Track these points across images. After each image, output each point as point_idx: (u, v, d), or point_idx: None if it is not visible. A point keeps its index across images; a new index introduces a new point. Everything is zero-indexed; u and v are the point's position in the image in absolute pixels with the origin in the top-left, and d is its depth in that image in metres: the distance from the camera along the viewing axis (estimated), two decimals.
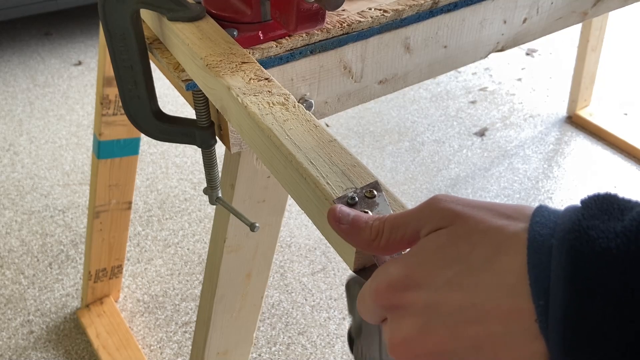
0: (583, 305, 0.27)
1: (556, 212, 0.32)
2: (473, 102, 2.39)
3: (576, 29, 2.15)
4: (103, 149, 1.20)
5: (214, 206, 0.76)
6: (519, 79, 2.52)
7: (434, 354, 0.32)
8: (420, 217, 0.35)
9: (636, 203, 0.30)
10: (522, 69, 2.58)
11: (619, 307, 0.27)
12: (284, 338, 1.51)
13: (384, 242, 0.36)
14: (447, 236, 0.33)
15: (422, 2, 0.69)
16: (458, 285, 0.32)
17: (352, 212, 0.39)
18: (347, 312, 1.58)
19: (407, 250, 0.36)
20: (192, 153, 2.07)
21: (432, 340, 0.32)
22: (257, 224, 0.67)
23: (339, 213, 0.38)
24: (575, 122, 2.22)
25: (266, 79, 0.53)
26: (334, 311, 1.58)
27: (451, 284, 0.32)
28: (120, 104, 0.98)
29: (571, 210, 0.30)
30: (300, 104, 0.51)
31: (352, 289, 0.40)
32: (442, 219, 0.34)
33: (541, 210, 0.32)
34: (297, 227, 1.82)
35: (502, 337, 0.30)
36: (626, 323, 0.27)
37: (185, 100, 0.80)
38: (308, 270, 1.69)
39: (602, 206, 0.30)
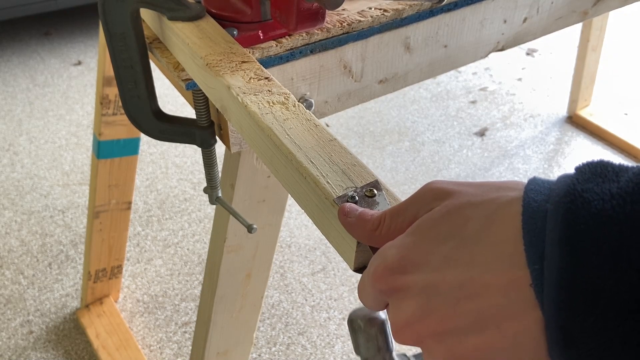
0: (578, 267, 0.27)
1: (550, 180, 0.32)
2: (473, 102, 2.38)
3: (576, 29, 2.14)
4: (103, 149, 1.20)
5: (214, 206, 0.76)
6: (519, 79, 2.52)
7: (438, 334, 0.32)
8: (417, 201, 0.36)
9: (632, 167, 0.29)
10: (522, 69, 2.58)
11: (614, 268, 0.26)
12: (284, 338, 1.51)
13: (385, 230, 0.36)
14: (439, 213, 0.33)
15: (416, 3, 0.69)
16: (454, 261, 0.31)
17: (360, 208, 0.40)
18: (348, 339, 1.58)
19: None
20: (192, 153, 2.07)
21: (434, 319, 0.32)
22: (254, 226, 0.67)
23: (347, 208, 0.40)
24: (575, 122, 2.22)
25: (266, 78, 0.53)
26: (334, 311, 1.58)
27: (447, 260, 0.32)
28: (120, 103, 0.98)
29: (565, 176, 0.30)
30: (300, 104, 0.51)
31: (354, 323, 0.40)
32: (435, 199, 0.34)
33: (535, 180, 0.32)
34: (297, 227, 1.82)
35: (503, 308, 0.30)
36: (622, 283, 0.26)
37: (185, 100, 0.79)
38: (308, 270, 1.69)
39: (597, 170, 0.29)
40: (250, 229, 0.67)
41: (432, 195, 0.35)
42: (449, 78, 2.53)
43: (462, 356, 0.31)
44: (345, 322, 1.55)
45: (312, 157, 0.45)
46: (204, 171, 0.89)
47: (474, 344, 0.31)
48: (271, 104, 0.50)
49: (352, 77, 0.70)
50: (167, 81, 0.99)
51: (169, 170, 2.01)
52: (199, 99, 0.63)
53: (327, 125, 2.22)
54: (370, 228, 0.37)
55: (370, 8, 0.67)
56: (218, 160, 0.71)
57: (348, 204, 0.40)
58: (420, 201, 0.35)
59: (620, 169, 0.29)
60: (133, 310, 1.56)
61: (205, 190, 0.73)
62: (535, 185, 0.31)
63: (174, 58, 0.63)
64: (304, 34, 0.63)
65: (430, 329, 0.32)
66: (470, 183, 0.35)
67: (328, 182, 0.43)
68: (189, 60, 0.58)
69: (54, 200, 1.86)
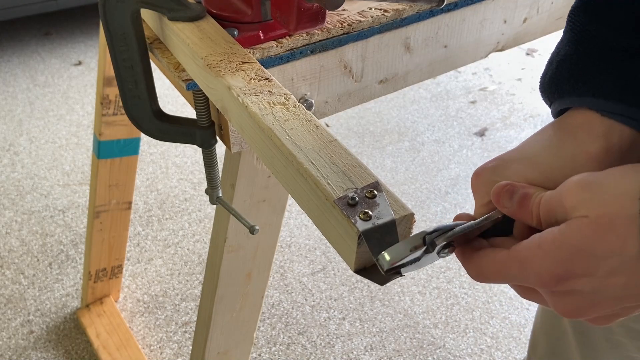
0: None
1: None
2: (473, 102, 2.39)
3: None
4: (103, 149, 1.20)
5: (214, 206, 0.76)
6: (519, 79, 2.52)
7: (603, 316, 0.39)
8: (565, 203, 0.37)
9: None
10: (522, 69, 2.58)
11: None
12: (284, 338, 1.51)
13: (537, 223, 0.40)
14: (590, 228, 0.35)
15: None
16: (619, 273, 0.35)
17: (521, 189, 0.41)
18: (348, 339, 1.58)
19: (551, 233, 0.37)
20: (192, 153, 2.07)
21: (599, 309, 0.37)
22: (256, 227, 0.67)
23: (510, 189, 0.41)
24: None
25: (267, 78, 0.53)
26: (334, 311, 1.58)
27: (612, 272, 0.35)
28: (121, 103, 0.98)
29: None
30: (300, 104, 0.51)
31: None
32: (582, 204, 0.36)
33: None
34: (297, 227, 1.82)
35: None
36: None
37: (185, 100, 0.80)
38: (308, 270, 1.69)
39: None
40: (252, 230, 0.67)
41: (573, 198, 0.37)
42: (449, 78, 2.53)
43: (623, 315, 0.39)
44: (345, 322, 1.55)
45: (313, 158, 0.45)
46: (204, 171, 0.89)
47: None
48: (272, 104, 0.50)
49: (352, 78, 0.70)
50: (167, 81, 0.99)
51: (169, 170, 2.01)
52: (199, 99, 0.63)
53: (327, 126, 2.22)
54: (529, 220, 0.40)
55: (370, 8, 0.67)
56: (218, 161, 0.71)
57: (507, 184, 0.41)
58: (564, 202, 0.37)
59: None
60: (133, 310, 1.56)
61: (206, 191, 0.73)
62: None
63: (175, 58, 0.63)
64: (305, 34, 0.63)
65: (597, 314, 0.38)
66: (610, 174, 0.36)
67: (329, 183, 0.43)
68: (190, 60, 0.58)
69: (54, 200, 1.86)
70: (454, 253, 0.42)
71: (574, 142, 0.42)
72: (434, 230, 0.39)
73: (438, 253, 0.40)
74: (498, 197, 0.41)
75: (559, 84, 0.45)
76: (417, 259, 0.39)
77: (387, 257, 0.38)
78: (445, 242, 0.40)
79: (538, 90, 0.50)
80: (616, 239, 0.34)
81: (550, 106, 0.48)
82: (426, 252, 0.39)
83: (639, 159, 0.42)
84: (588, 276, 0.36)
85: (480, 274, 0.41)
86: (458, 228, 0.40)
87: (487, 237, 0.42)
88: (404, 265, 0.39)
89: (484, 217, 0.42)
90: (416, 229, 0.40)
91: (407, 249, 0.38)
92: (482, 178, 0.43)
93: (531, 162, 0.43)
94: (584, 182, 0.37)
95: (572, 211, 0.36)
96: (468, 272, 0.42)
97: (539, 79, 0.48)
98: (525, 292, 0.42)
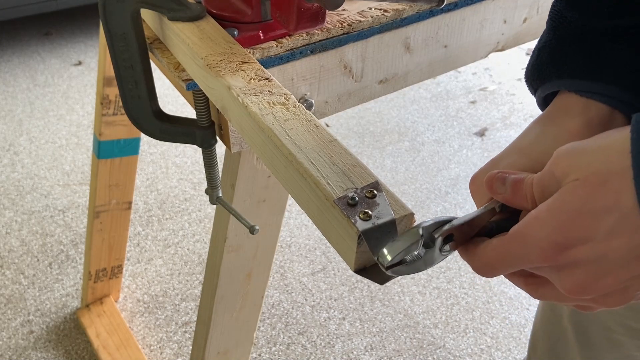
0: None
1: None
2: (473, 102, 2.39)
3: None
4: (103, 149, 1.20)
5: (214, 206, 0.76)
6: (519, 79, 2.52)
7: (610, 293, 0.37)
8: (555, 173, 0.37)
9: None
10: (522, 69, 2.58)
11: None
12: (284, 338, 1.51)
13: (533, 205, 0.39)
14: (583, 189, 0.35)
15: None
16: (619, 233, 0.34)
17: (512, 176, 0.41)
18: (348, 339, 1.58)
19: (546, 203, 0.37)
20: (192, 153, 2.07)
21: (607, 281, 0.36)
22: (256, 227, 0.67)
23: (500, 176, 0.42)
24: None
25: (266, 78, 0.53)
26: (334, 311, 1.58)
27: (612, 232, 0.34)
28: (121, 103, 0.98)
29: None
30: (300, 104, 0.51)
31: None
32: (571, 168, 0.36)
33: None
34: (297, 227, 1.82)
35: None
36: None
37: (185, 100, 0.80)
38: (308, 270, 1.69)
39: None
40: (252, 230, 0.67)
41: (564, 165, 0.37)
42: (449, 78, 2.53)
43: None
44: (345, 322, 1.55)
45: (313, 158, 0.45)
46: (204, 171, 0.89)
47: None
48: (271, 104, 0.50)
49: (352, 78, 0.70)
50: (167, 81, 0.99)
51: (169, 170, 2.01)
52: (199, 99, 0.63)
53: (327, 126, 2.22)
54: (525, 205, 0.40)
55: (370, 8, 0.67)
56: (218, 161, 0.71)
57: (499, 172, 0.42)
58: (556, 173, 0.37)
59: None
60: (133, 310, 1.56)
61: (206, 191, 0.73)
62: None
63: (175, 58, 0.63)
64: (304, 34, 0.63)
65: (603, 290, 0.36)
66: (595, 138, 0.36)
67: (328, 183, 0.43)
68: (190, 60, 0.58)
69: (54, 200, 1.86)
70: (456, 251, 0.42)
71: (555, 124, 0.44)
72: (432, 223, 0.39)
73: (440, 250, 0.40)
74: (491, 184, 0.42)
75: (540, 69, 0.47)
76: (419, 257, 0.39)
77: (387, 253, 0.38)
78: (444, 236, 0.40)
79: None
80: (610, 194, 0.34)
81: (535, 96, 0.49)
82: (427, 247, 0.39)
83: None
84: (589, 241, 0.35)
85: (485, 265, 0.41)
86: (455, 220, 0.40)
87: (488, 237, 0.42)
88: (406, 263, 0.39)
89: (481, 208, 0.42)
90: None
91: (406, 244, 0.38)
92: (477, 181, 0.44)
93: (520, 153, 0.44)
94: (570, 149, 0.37)
95: (563, 178, 0.36)
96: (473, 267, 0.42)
97: (524, 70, 0.50)
98: (536, 288, 0.42)
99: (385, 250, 0.38)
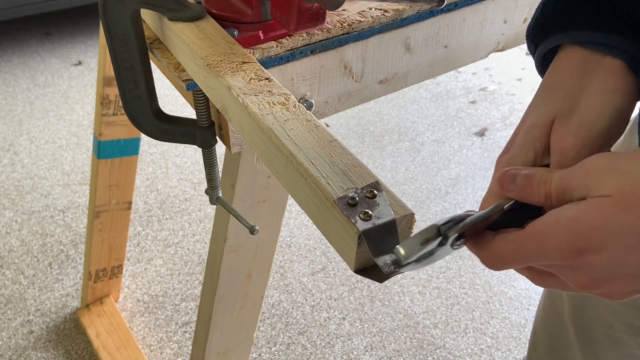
0: None
1: None
2: (473, 102, 2.39)
3: None
4: (103, 149, 1.20)
5: (214, 206, 0.76)
6: (519, 79, 2.52)
7: (618, 292, 0.39)
8: (582, 183, 0.38)
9: None
10: (522, 69, 2.58)
11: None
12: (284, 338, 1.51)
13: (552, 205, 0.40)
14: (611, 209, 0.36)
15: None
16: (636, 251, 0.36)
17: (523, 172, 0.42)
18: (348, 339, 1.58)
19: (570, 210, 0.38)
20: (192, 153, 2.07)
21: (617, 283, 0.38)
22: (256, 227, 0.67)
23: (513, 172, 0.43)
24: None
25: (267, 78, 0.53)
26: (334, 311, 1.58)
27: (628, 249, 0.36)
28: (121, 104, 0.98)
29: None
30: (300, 104, 0.51)
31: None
32: (600, 183, 0.37)
33: None
34: (297, 227, 1.82)
35: None
36: None
37: (185, 100, 0.80)
38: (308, 270, 1.69)
39: None
40: (252, 230, 0.67)
41: (595, 178, 0.37)
42: (449, 78, 2.53)
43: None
44: (345, 322, 1.55)
45: (313, 158, 0.45)
46: (204, 171, 0.89)
47: None
48: (272, 104, 0.50)
49: (352, 78, 0.70)
50: (167, 81, 0.99)
51: (169, 170, 2.01)
52: (199, 99, 0.63)
53: (327, 126, 2.22)
54: (538, 200, 0.41)
55: (370, 8, 0.67)
56: (218, 161, 0.71)
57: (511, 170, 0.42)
58: (585, 181, 0.38)
59: None
60: (133, 310, 1.56)
61: (206, 191, 0.73)
62: None
63: (175, 58, 0.63)
64: (305, 35, 0.63)
65: (616, 287, 0.39)
66: (634, 157, 0.37)
67: (329, 183, 0.43)
68: (190, 60, 0.58)
69: (54, 200, 1.86)
70: (465, 246, 0.42)
71: (555, 75, 0.46)
72: (447, 222, 0.39)
73: (452, 245, 0.40)
74: (502, 183, 0.42)
75: (544, 23, 0.48)
76: (431, 253, 0.39)
77: (403, 251, 0.37)
78: (458, 234, 0.40)
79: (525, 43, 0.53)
80: (636, 218, 0.35)
81: (534, 55, 0.50)
82: (440, 244, 0.39)
83: (618, 83, 0.44)
84: (605, 250, 0.36)
85: (496, 259, 0.41)
86: (470, 218, 0.40)
87: (496, 230, 0.43)
88: (418, 260, 0.39)
89: (494, 205, 0.42)
90: (416, 229, 0.40)
91: (422, 242, 0.38)
92: (499, 166, 0.46)
93: (529, 120, 0.47)
94: (604, 163, 0.38)
95: (594, 190, 0.37)
96: (482, 260, 0.42)
97: (526, 29, 0.51)
98: (540, 276, 0.42)
99: (400, 248, 0.37)
